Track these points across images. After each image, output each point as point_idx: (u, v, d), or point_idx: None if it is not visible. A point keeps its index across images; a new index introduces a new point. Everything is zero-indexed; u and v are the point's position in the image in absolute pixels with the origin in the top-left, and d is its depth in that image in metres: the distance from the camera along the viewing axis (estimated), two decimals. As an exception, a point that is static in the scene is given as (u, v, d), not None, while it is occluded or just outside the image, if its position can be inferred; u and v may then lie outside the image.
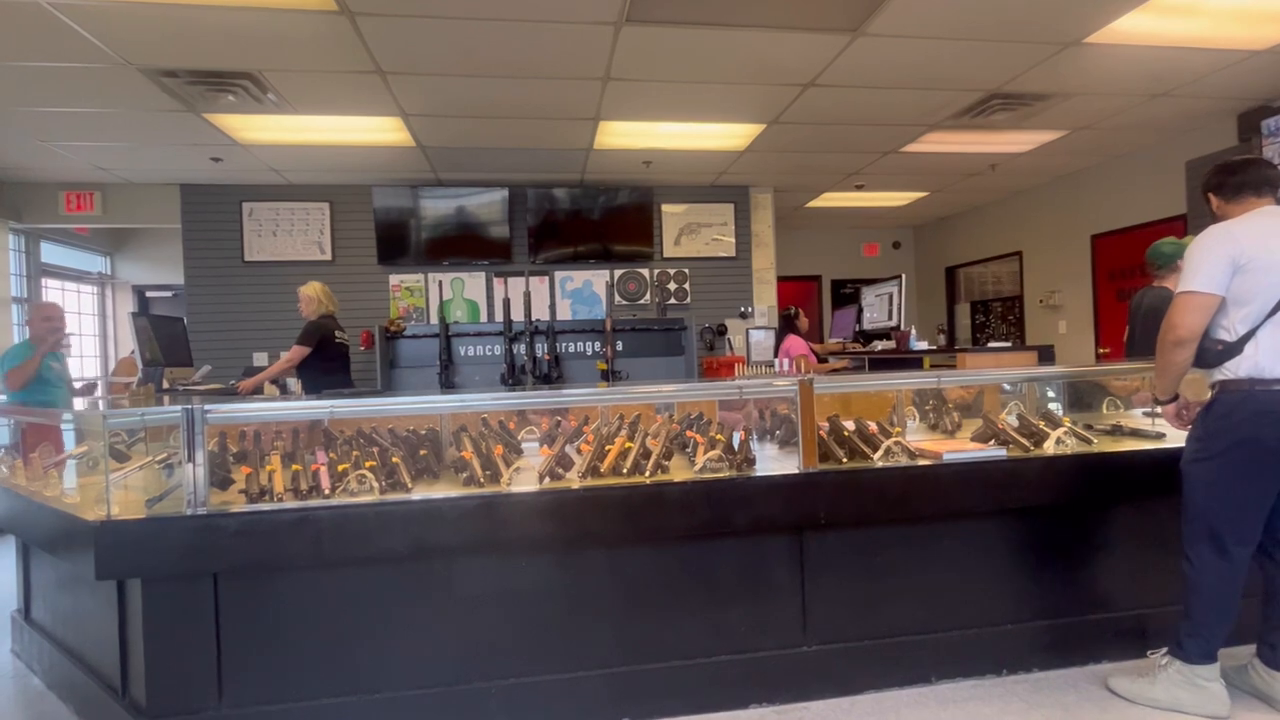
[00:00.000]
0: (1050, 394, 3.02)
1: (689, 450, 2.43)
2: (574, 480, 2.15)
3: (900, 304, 5.39)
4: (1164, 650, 2.05)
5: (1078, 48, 3.65)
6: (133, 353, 4.26)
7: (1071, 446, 2.39)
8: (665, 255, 6.45)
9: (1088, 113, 4.68)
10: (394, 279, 6.11)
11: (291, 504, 1.97)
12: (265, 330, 5.83)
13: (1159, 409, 2.15)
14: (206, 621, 1.91)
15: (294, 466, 2.12)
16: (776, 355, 5.40)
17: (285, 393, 4.26)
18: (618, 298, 6.35)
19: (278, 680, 1.95)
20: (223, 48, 3.41)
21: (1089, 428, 2.55)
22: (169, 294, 7.45)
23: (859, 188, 6.69)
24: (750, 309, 6.58)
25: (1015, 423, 2.55)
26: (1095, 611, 2.30)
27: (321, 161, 5.31)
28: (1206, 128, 4.83)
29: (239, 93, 3.90)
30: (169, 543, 1.87)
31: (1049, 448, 2.37)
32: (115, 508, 1.91)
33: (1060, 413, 2.76)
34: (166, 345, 4.46)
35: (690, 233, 6.49)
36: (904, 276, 5.53)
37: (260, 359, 5.76)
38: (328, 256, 5.98)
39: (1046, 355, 4.12)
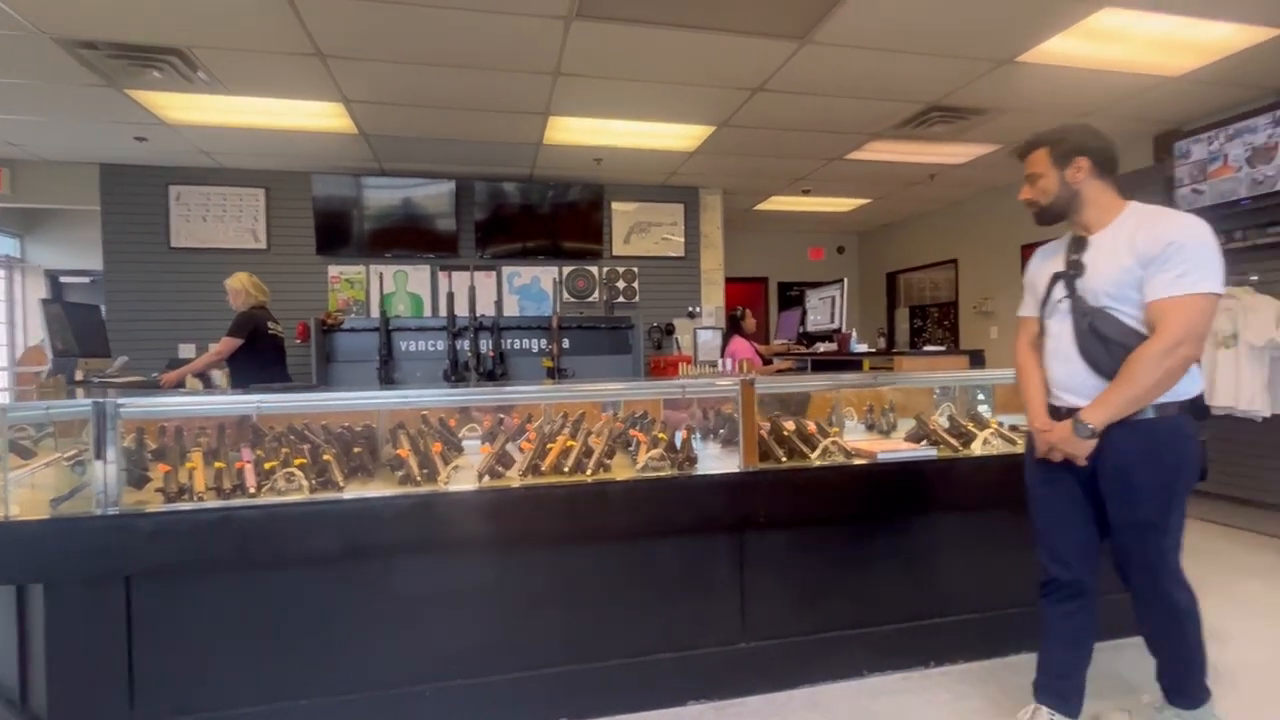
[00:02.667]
0: (980, 396, 3.15)
1: (632, 449, 2.43)
2: (514, 479, 2.12)
3: (842, 307, 5.53)
4: (1175, 709, 1.82)
5: (1011, 66, 3.81)
6: (42, 342, 3.98)
7: (998, 447, 2.49)
8: (615, 253, 6.44)
9: (1020, 128, 4.90)
10: (333, 270, 5.90)
11: (213, 503, 1.88)
12: (192, 321, 5.55)
13: (1078, 439, 1.69)
14: (117, 628, 1.80)
15: (217, 464, 2.02)
16: (723, 356, 5.47)
17: (209, 386, 4.07)
18: (566, 295, 6.31)
19: (196, 689, 1.86)
20: (147, 20, 3.22)
21: (1014, 429, 2.67)
22: (86, 280, 7.00)
23: (805, 192, 6.83)
24: (698, 309, 6.63)
25: (946, 424, 2.65)
26: (1018, 606, 2.41)
27: (256, 145, 5.08)
28: (1125, 148, 5.07)
29: (165, 69, 3.69)
30: (75, 545, 1.76)
31: (977, 448, 2.47)
32: (15, 507, 1.79)
33: (989, 414, 2.88)
34: (81, 334, 4.18)
35: (640, 231, 6.50)
36: (846, 281, 5.68)
37: (187, 351, 5.48)
38: (262, 245, 5.73)
39: (978, 359, 4.31)
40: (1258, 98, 4.23)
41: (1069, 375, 1.75)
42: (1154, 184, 4.53)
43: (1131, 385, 1.62)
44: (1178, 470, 1.69)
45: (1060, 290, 1.79)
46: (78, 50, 3.49)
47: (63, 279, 7.09)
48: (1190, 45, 3.60)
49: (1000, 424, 2.62)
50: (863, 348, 5.00)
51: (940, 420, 2.68)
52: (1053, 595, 1.86)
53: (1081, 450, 1.69)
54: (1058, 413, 1.79)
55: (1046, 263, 1.87)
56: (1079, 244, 1.77)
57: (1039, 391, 1.84)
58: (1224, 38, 3.51)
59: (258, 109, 4.36)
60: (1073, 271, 1.75)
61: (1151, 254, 1.61)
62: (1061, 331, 1.77)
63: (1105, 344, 1.67)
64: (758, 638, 2.21)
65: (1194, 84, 4.08)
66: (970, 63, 3.80)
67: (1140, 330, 1.66)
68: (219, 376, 4.18)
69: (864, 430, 2.95)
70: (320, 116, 4.51)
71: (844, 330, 5.38)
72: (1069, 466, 1.77)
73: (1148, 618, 1.80)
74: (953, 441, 2.50)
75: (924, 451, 2.43)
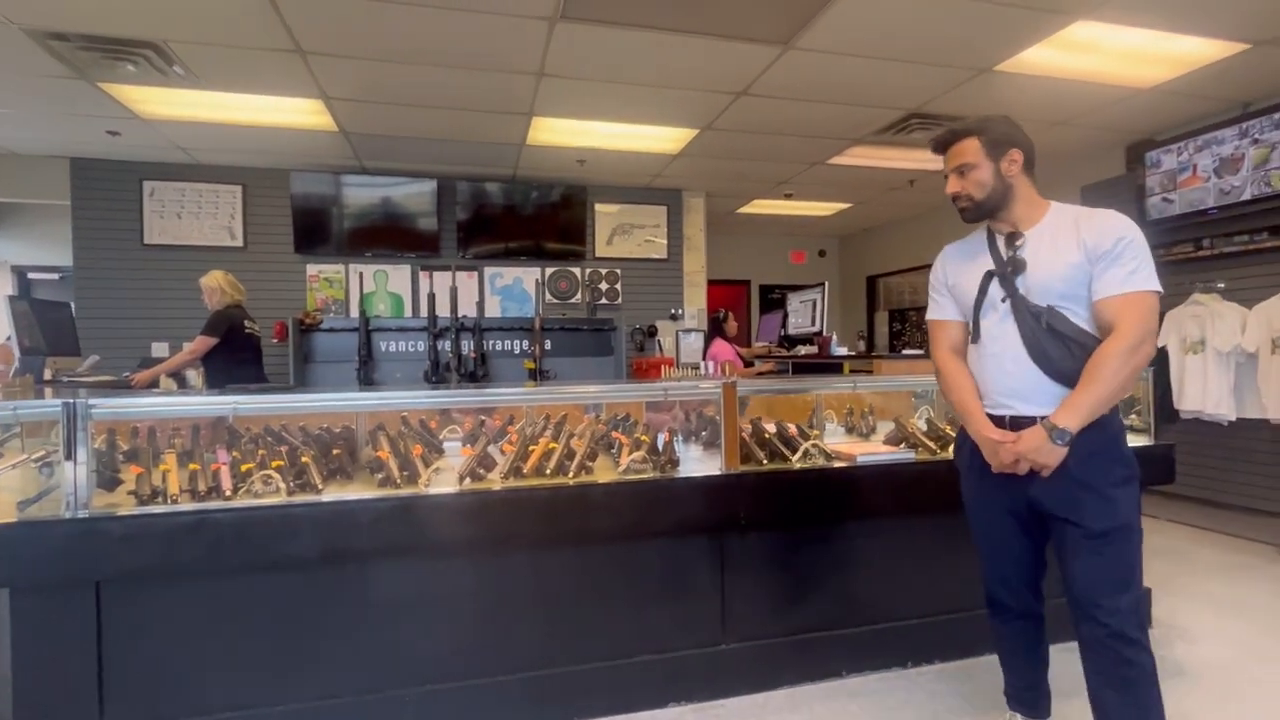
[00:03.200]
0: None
1: (614, 451, 2.43)
2: (495, 481, 2.11)
3: (823, 310, 5.58)
4: None
5: (989, 74, 3.88)
6: (9, 339, 3.88)
7: (974, 450, 2.52)
8: (597, 255, 6.44)
9: (997, 136, 4.98)
10: (312, 269, 5.83)
11: (187, 506, 1.85)
12: (166, 319, 5.44)
13: (1054, 447, 1.55)
14: (86, 633, 1.77)
15: (192, 466, 1.99)
16: (705, 358, 5.49)
17: (183, 386, 4.00)
18: (548, 296, 6.29)
19: (168, 696, 1.82)
20: (120, 12, 3.16)
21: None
22: (55, 276, 6.85)
23: (788, 196, 6.88)
24: (680, 311, 6.65)
25: (924, 426, 2.68)
26: (992, 605, 2.45)
27: (234, 141, 5.00)
28: (1098, 157, 5.24)
29: (140, 63, 3.62)
30: (43, 548, 1.72)
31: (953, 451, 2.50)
32: (-21, 510, 1.74)
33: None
34: (50, 332, 4.08)
35: (623, 233, 6.50)
36: (827, 284, 5.74)
37: (160, 350, 5.38)
38: (239, 243, 5.64)
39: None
40: (1225, 110, 4.35)
41: (1018, 380, 1.63)
42: (1125, 192, 4.64)
43: (1101, 386, 1.51)
44: (1136, 465, 1.62)
45: (998, 289, 1.66)
46: (48, 42, 3.41)
47: (31, 275, 6.93)
48: (1161, 58, 3.69)
49: (977, 427, 2.66)
50: (843, 351, 5.04)
51: (918, 423, 2.72)
52: (1000, 615, 1.84)
53: (1055, 459, 1.56)
54: (1000, 422, 1.66)
55: (970, 262, 1.75)
56: (1013, 240, 1.66)
57: (977, 399, 1.71)
58: (1193, 51, 3.61)
59: (236, 105, 4.29)
60: (1012, 269, 1.64)
61: (1102, 249, 1.54)
62: (1004, 334, 1.64)
63: (1066, 344, 1.57)
64: (737, 639, 2.23)
65: (1164, 95, 4.18)
66: (950, 71, 3.86)
67: (1089, 329, 1.58)
68: (193, 376, 4.11)
69: (844, 433, 2.98)
70: (300, 113, 4.46)
71: (825, 333, 5.43)
72: (1005, 487, 1.67)
73: (1114, 676, 1.55)
74: (930, 444, 2.53)
75: (903, 454, 2.45)
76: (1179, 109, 4.41)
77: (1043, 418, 1.57)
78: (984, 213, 1.70)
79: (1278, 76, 3.89)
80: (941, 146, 1.75)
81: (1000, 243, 1.69)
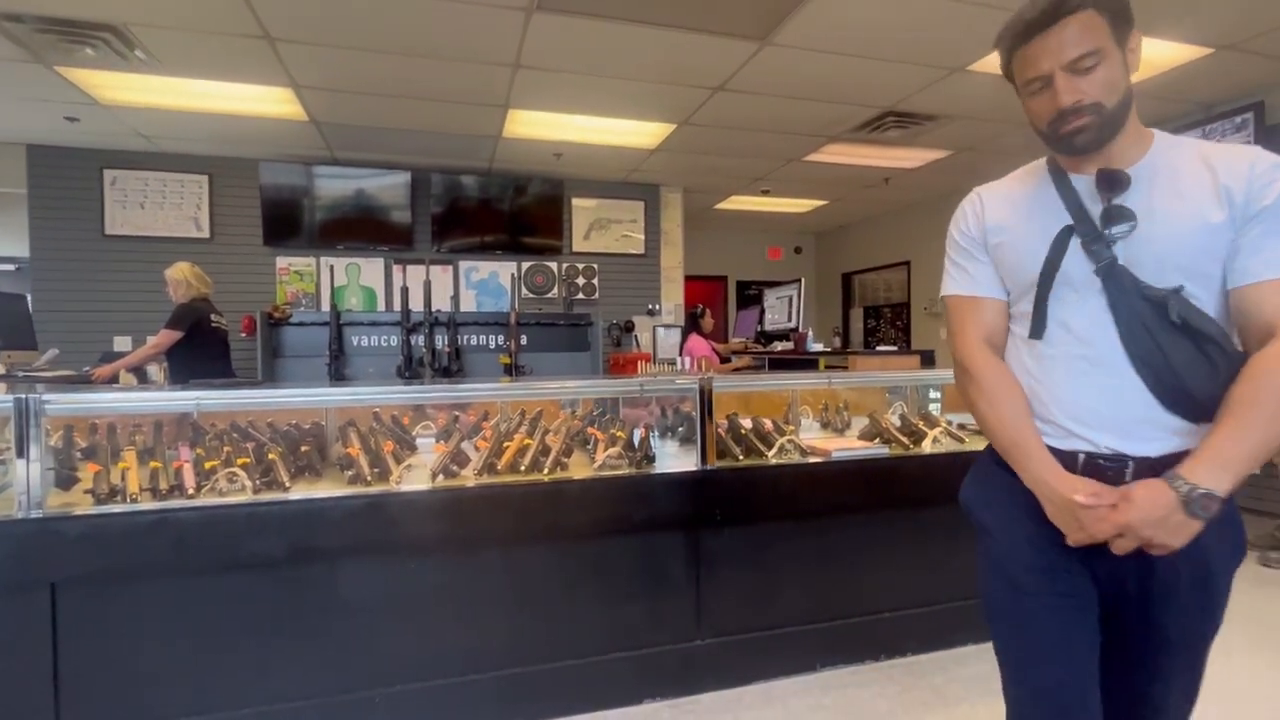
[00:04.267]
0: (933, 395, 3.23)
1: (590, 447, 2.41)
2: (469, 478, 2.08)
3: (799, 307, 5.61)
4: None
5: (963, 74, 3.92)
6: (-39, 333, 3.73)
7: (946, 445, 2.56)
8: (574, 249, 6.40)
9: (969, 135, 5.05)
10: (282, 261, 5.70)
11: (148, 505, 1.79)
12: (129, 312, 5.29)
13: (1189, 519, 0.93)
14: (41, 637, 1.71)
15: (153, 464, 1.93)
16: (681, 353, 5.49)
17: (144, 382, 3.89)
18: (524, 290, 6.24)
19: (127, 701, 1.77)
20: (80, -6, 3.05)
21: (963, 427, 2.75)
22: (11, 267, 6.61)
23: (765, 192, 6.90)
24: (658, 306, 6.64)
25: (898, 422, 2.71)
26: (965, 599, 2.49)
27: (200, 130, 4.86)
28: (1068, 156, 5.33)
29: (99, 46, 3.49)
30: (-6, 550, 1.65)
31: (927, 446, 2.54)
32: (-75, 511, 1.67)
33: (939, 413, 2.96)
34: (5, 325, 3.94)
35: (600, 228, 6.47)
36: (803, 280, 5.77)
37: (123, 343, 5.22)
38: (205, 234, 5.50)
39: (928, 359, 4.42)
40: (1189, 112, 4.45)
41: (1113, 402, 1.02)
42: (1094, 192, 4.72)
43: (1272, 423, 0.93)
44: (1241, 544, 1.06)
45: (1082, 259, 1.04)
46: (2, 23, 3.27)
47: (-15, 266, 6.68)
48: (1129, 60, 3.76)
49: (949, 423, 2.70)
50: (819, 347, 5.07)
51: (892, 419, 2.74)
52: None
53: (1183, 539, 0.94)
54: (1070, 461, 1.04)
55: (1031, 210, 1.11)
56: (1115, 184, 1.01)
57: (1032, 425, 1.08)
58: (1160, 54, 3.68)
59: (200, 92, 4.17)
60: (1115, 225, 1.01)
61: (1261, 204, 0.96)
62: (1095, 328, 1.03)
63: (1204, 351, 0.97)
64: (712, 635, 2.23)
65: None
66: (925, 69, 3.89)
67: (1224, 328, 1.00)
68: (155, 371, 4.00)
69: (819, 428, 3.00)
70: (268, 102, 4.35)
71: (800, 329, 5.46)
72: (1078, 563, 1.05)
73: None
74: (904, 440, 2.56)
75: (876, 449, 2.48)
76: (1146, 111, 4.47)
77: (1146, 461, 1.00)
78: (1108, 134, 1.02)
79: (1238, 80, 4.00)
80: (1041, 24, 1.00)
81: (1083, 186, 1.06)
